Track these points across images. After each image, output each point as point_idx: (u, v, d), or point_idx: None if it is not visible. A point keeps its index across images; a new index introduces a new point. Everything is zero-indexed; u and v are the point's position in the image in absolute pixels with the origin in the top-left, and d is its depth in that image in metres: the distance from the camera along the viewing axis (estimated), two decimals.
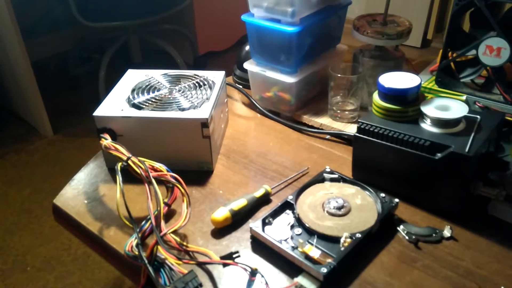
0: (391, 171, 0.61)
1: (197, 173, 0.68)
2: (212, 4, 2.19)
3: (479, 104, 0.68)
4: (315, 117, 0.80)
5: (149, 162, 0.57)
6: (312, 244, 0.52)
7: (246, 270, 0.49)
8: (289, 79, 0.77)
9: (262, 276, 0.49)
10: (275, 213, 0.57)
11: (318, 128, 0.79)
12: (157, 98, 0.69)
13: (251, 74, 0.84)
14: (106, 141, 0.61)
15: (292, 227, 0.56)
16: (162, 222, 0.53)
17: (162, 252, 0.49)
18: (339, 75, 0.76)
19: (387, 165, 0.61)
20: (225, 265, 0.50)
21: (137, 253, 0.50)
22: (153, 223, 0.51)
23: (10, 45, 1.66)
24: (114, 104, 0.68)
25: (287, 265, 0.52)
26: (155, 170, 0.57)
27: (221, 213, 0.57)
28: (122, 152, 0.58)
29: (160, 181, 0.56)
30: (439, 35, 1.16)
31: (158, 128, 0.65)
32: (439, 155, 0.55)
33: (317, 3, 0.77)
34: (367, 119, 0.62)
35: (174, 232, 0.53)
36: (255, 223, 0.55)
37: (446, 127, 0.58)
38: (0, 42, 1.71)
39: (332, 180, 0.63)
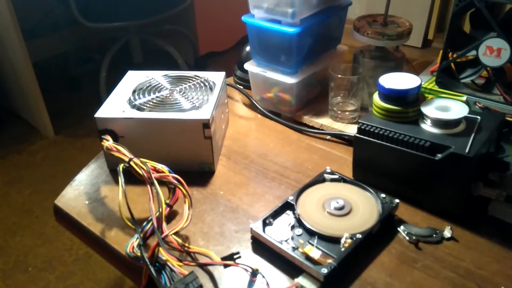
0: (392, 172, 0.61)
1: (198, 173, 0.68)
2: (212, 4, 2.19)
3: (479, 105, 0.68)
4: (316, 117, 0.80)
5: (151, 163, 0.57)
6: (312, 245, 0.53)
7: (247, 270, 0.49)
8: (290, 80, 0.78)
9: (263, 276, 0.49)
10: (276, 214, 0.57)
11: (318, 129, 0.79)
12: (158, 99, 0.70)
13: (251, 74, 0.84)
14: (108, 142, 0.61)
15: (292, 227, 0.56)
16: (164, 223, 0.53)
17: (163, 254, 0.49)
18: (339, 76, 0.76)
19: (387, 165, 0.61)
20: (226, 266, 0.50)
21: (138, 254, 0.50)
22: (155, 224, 0.51)
23: (11, 45, 1.67)
24: (115, 106, 0.68)
25: (288, 266, 0.52)
26: (157, 171, 0.57)
27: None
28: (124, 153, 0.58)
29: (162, 182, 0.56)
30: (440, 35, 1.16)
31: (160, 129, 0.65)
32: (439, 155, 0.56)
33: (317, 4, 0.77)
34: (367, 120, 0.62)
35: (176, 233, 0.53)
36: (255, 224, 0.55)
37: (446, 127, 0.58)
38: (1, 43, 1.71)
39: (332, 180, 0.63)
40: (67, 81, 2.17)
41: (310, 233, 0.54)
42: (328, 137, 0.77)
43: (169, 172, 0.57)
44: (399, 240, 0.56)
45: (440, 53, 0.71)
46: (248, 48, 0.93)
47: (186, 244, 0.54)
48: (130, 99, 0.69)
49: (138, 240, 0.51)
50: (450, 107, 0.60)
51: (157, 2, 1.97)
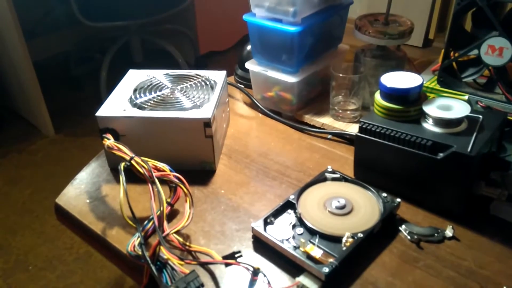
0: (393, 171, 0.61)
1: (199, 172, 0.68)
2: (213, 3, 2.19)
3: (481, 104, 0.68)
4: (317, 116, 0.80)
5: (152, 162, 0.57)
6: (314, 244, 0.52)
7: (248, 269, 0.49)
8: (291, 79, 0.77)
9: (264, 275, 0.49)
10: (277, 213, 0.57)
11: (319, 128, 0.79)
12: (159, 98, 0.69)
13: (252, 73, 0.84)
14: (109, 141, 0.61)
15: (294, 226, 0.56)
16: (165, 222, 0.53)
17: (164, 253, 0.49)
18: (340, 75, 0.76)
19: (389, 164, 0.61)
20: (227, 264, 0.50)
21: (139, 252, 0.50)
22: (156, 223, 0.51)
23: (12, 45, 1.66)
24: (116, 104, 0.68)
25: (289, 265, 0.52)
26: (158, 170, 0.57)
27: None
28: (125, 152, 0.58)
29: (163, 181, 0.56)
30: (440, 35, 1.16)
31: (161, 128, 0.65)
32: (441, 155, 0.55)
33: (318, 3, 0.77)
34: (368, 119, 0.62)
35: (177, 231, 0.53)
36: (256, 223, 0.55)
37: (448, 127, 0.58)
38: (2, 42, 1.71)
39: (334, 179, 0.63)
40: (68, 81, 2.16)
41: (311, 232, 0.54)
42: (329, 136, 0.77)
43: (170, 171, 0.57)
44: (400, 240, 0.56)
45: (442, 52, 0.71)
46: (249, 47, 0.93)
47: (187, 243, 0.54)
48: (131, 97, 0.69)
49: (139, 239, 0.51)
50: (452, 106, 0.60)
51: (158, 2, 1.97)
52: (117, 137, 0.65)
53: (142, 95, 0.70)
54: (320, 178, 0.63)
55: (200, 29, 2.20)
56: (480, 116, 0.60)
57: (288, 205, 0.58)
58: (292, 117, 0.82)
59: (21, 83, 1.76)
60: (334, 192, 0.60)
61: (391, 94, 0.61)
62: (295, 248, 0.52)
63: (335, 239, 0.53)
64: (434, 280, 0.51)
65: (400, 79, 0.62)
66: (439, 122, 0.58)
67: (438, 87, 0.72)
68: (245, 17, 0.79)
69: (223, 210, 0.62)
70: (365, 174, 0.64)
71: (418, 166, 0.58)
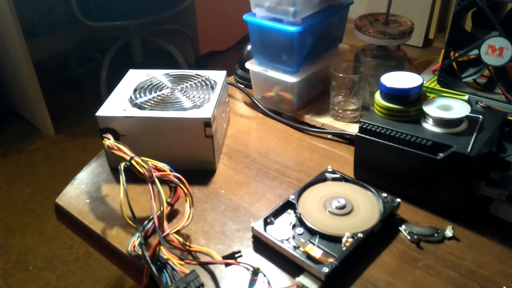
0: (393, 171, 0.61)
1: (199, 172, 0.68)
2: (213, 3, 2.19)
3: (481, 104, 0.68)
4: (317, 116, 0.80)
5: (152, 162, 0.57)
6: (313, 244, 0.52)
7: (248, 269, 0.49)
8: (291, 79, 0.77)
9: (264, 275, 0.49)
10: (277, 213, 0.57)
11: (319, 128, 0.79)
12: (159, 98, 0.69)
13: (252, 73, 0.84)
14: (109, 141, 0.61)
15: (293, 226, 0.56)
16: (165, 222, 0.53)
17: (164, 252, 0.49)
18: (340, 75, 0.76)
19: (389, 165, 0.61)
20: (227, 264, 0.50)
21: (139, 252, 0.50)
22: (156, 223, 0.51)
23: (12, 45, 1.66)
24: (116, 104, 0.68)
25: (289, 265, 0.52)
26: (158, 170, 0.57)
27: None
28: (125, 152, 0.58)
29: (163, 181, 0.56)
30: (441, 35, 1.16)
31: (161, 128, 0.65)
32: (441, 155, 0.55)
33: (319, 3, 0.77)
34: (369, 119, 0.62)
35: (177, 231, 0.53)
36: (256, 223, 0.55)
37: (448, 127, 0.58)
38: (2, 42, 1.71)
39: (334, 179, 0.63)
40: (68, 80, 2.16)
41: (311, 232, 0.54)
42: (329, 136, 0.77)
43: (170, 171, 0.57)
44: (400, 240, 0.56)
45: (442, 52, 0.71)
46: (249, 47, 0.93)
47: (187, 243, 0.54)
48: (131, 97, 0.69)
49: (139, 239, 0.51)
50: (452, 106, 0.60)
51: (158, 1, 1.97)
52: (117, 137, 0.65)
53: (142, 95, 0.70)
54: (320, 178, 0.63)
55: (200, 29, 2.20)
56: (480, 116, 0.60)
57: (288, 205, 0.58)
58: (292, 117, 0.82)
59: (21, 83, 1.76)
60: (334, 192, 0.60)
61: (391, 94, 0.61)
62: (295, 248, 0.52)
63: (335, 239, 0.53)
64: (434, 280, 0.51)
65: (400, 79, 0.62)
66: (439, 122, 0.58)
67: (438, 87, 0.72)
68: (245, 17, 0.79)
69: (223, 210, 0.62)
70: (365, 174, 0.64)
71: (418, 166, 0.58)
